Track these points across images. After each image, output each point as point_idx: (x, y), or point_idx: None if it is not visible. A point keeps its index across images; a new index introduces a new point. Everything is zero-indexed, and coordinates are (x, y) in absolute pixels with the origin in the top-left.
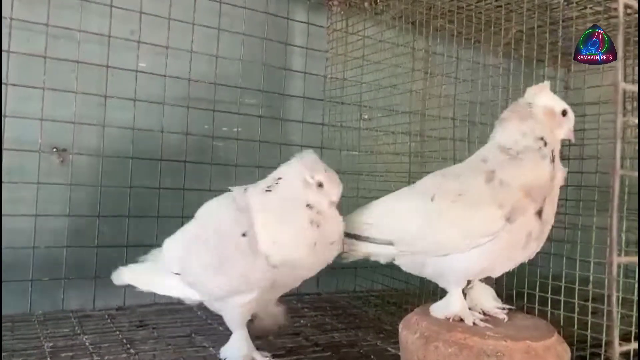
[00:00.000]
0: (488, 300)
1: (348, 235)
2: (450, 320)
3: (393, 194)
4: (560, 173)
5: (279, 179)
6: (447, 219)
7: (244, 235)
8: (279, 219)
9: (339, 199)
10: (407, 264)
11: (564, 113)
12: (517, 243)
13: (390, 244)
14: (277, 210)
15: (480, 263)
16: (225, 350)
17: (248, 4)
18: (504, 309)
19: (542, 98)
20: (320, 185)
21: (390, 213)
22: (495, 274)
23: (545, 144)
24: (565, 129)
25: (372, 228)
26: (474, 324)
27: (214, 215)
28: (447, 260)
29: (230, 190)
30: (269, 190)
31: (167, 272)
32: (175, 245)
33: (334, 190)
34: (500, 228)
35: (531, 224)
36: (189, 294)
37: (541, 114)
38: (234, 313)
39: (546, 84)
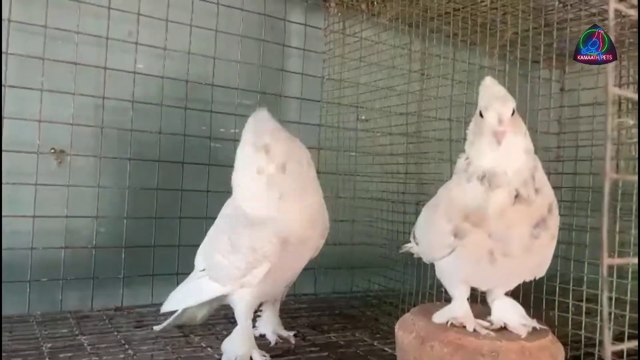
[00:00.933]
0: (514, 316)
1: None
2: (448, 324)
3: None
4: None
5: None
6: (422, 228)
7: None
8: (248, 188)
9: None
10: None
11: (481, 114)
12: (477, 258)
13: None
14: (240, 175)
15: (454, 271)
16: (226, 343)
17: (245, 6)
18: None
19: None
20: (267, 150)
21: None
22: (495, 286)
23: (469, 162)
24: (485, 134)
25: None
26: (475, 330)
27: (225, 207)
28: (437, 265)
29: None
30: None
31: (194, 277)
32: (202, 246)
33: (279, 152)
34: (450, 243)
35: (486, 243)
36: (215, 289)
37: (472, 122)
38: (245, 300)
39: (488, 78)
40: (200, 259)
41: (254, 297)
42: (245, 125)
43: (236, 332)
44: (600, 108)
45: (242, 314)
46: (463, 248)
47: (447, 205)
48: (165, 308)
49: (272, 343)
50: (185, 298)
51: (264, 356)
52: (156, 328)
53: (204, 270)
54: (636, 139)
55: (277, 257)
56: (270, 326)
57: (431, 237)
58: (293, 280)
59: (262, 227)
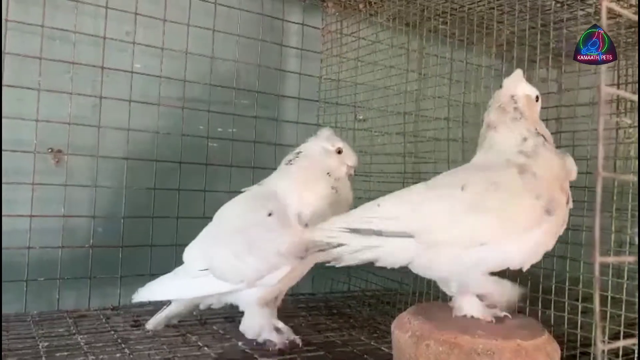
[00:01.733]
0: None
1: (352, 231)
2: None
3: (406, 189)
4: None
5: (299, 152)
6: (483, 207)
7: (269, 215)
8: (303, 182)
9: (356, 165)
10: (421, 263)
11: (537, 98)
12: (554, 235)
13: (409, 236)
14: (301, 177)
15: (519, 255)
16: (245, 324)
17: (243, 5)
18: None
19: (524, 87)
20: (339, 152)
21: (409, 204)
22: (525, 266)
23: (544, 137)
24: (536, 114)
25: (386, 220)
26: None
27: (235, 208)
28: (479, 252)
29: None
30: (291, 164)
31: (187, 274)
32: (198, 245)
33: (352, 155)
34: (540, 219)
35: (565, 214)
36: (215, 287)
37: (524, 105)
38: (256, 298)
39: (519, 71)
40: (194, 257)
41: (265, 295)
42: (317, 133)
43: (251, 312)
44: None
45: (253, 310)
46: (548, 225)
47: (529, 182)
48: (145, 297)
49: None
50: (180, 291)
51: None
52: (149, 326)
53: (206, 269)
54: (634, 139)
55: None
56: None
57: (490, 218)
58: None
59: (289, 230)
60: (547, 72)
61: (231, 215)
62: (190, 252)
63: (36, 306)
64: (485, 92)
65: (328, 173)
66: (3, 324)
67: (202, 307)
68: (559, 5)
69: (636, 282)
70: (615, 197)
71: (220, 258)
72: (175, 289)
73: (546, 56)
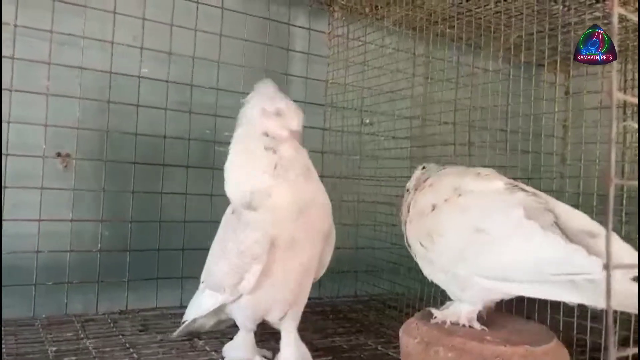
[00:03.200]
0: None
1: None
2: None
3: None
4: None
5: (232, 136)
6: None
7: (232, 213)
8: (240, 160)
9: (300, 129)
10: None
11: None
12: None
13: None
14: (239, 152)
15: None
16: (228, 349)
17: (249, 10)
18: None
19: None
20: (278, 114)
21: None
22: None
23: None
24: None
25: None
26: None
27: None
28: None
29: None
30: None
31: (200, 291)
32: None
33: (294, 118)
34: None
35: None
36: (214, 300)
37: None
38: (243, 309)
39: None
40: (203, 272)
41: (254, 306)
42: (250, 95)
43: (238, 337)
44: (605, 111)
45: (242, 325)
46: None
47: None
48: (183, 318)
49: None
50: (190, 311)
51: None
52: (173, 335)
53: (203, 282)
54: None
55: (267, 257)
56: None
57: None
58: (305, 291)
59: (248, 226)
60: (554, 76)
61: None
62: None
63: (44, 310)
64: (492, 96)
65: (265, 133)
66: (12, 328)
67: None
68: (566, 9)
69: None
70: (624, 202)
71: (207, 267)
72: (192, 308)
73: (554, 60)
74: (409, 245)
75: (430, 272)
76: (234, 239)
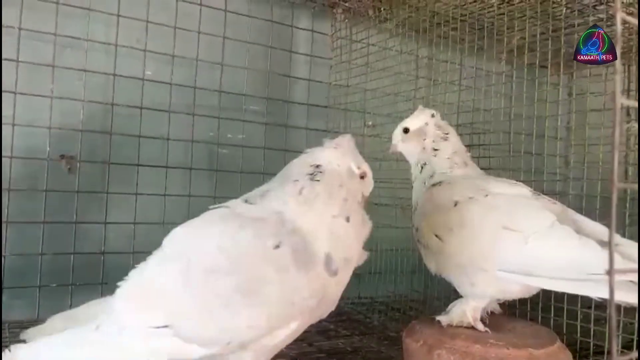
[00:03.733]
0: None
1: None
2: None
3: None
4: None
5: (319, 166)
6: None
7: (277, 247)
8: (330, 212)
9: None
10: None
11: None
12: None
13: None
14: (330, 203)
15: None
16: None
17: (252, 13)
18: None
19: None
20: (362, 177)
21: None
22: None
23: None
24: None
25: None
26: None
27: (214, 234)
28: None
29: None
30: (317, 180)
31: (125, 332)
32: (148, 286)
33: (371, 184)
34: None
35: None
36: (178, 353)
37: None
38: None
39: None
40: (142, 305)
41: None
42: (336, 142)
43: None
44: (609, 114)
45: None
46: None
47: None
48: None
49: None
50: None
51: None
52: None
53: (165, 327)
54: None
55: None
56: None
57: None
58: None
59: (309, 272)
60: (557, 78)
61: (210, 245)
62: (133, 298)
63: (49, 312)
64: (495, 98)
65: (345, 199)
66: (17, 330)
67: None
68: (569, 11)
69: None
70: (627, 204)
71: (195, 309)
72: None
73: (557, 62)
74: (418, 241)
75: (440, 267)
76: (283, 282)
